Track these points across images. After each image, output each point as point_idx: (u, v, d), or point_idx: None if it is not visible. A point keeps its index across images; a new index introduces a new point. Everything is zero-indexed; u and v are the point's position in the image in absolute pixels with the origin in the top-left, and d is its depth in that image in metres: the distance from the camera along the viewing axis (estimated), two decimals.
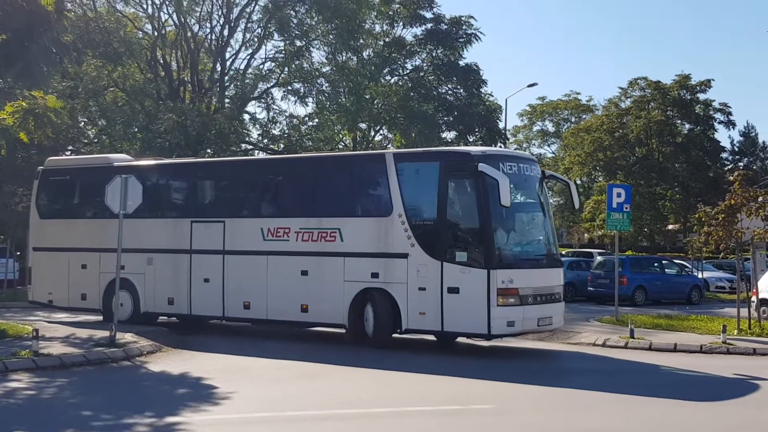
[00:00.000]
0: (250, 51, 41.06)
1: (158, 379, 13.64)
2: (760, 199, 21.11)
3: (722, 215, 20.57)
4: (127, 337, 17.15)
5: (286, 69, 40.88)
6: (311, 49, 41.21)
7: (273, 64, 41.67)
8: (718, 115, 57.06)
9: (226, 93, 41.17)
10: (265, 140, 41.16)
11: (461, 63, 44.36)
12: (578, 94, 70.25)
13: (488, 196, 15.67)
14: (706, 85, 55.49)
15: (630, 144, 56.36)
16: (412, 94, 43.39)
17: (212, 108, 38.02)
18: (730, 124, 57.71)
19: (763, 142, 75.26)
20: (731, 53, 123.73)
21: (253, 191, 19.58)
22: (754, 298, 23.27)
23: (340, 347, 17.31)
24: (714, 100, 56.60)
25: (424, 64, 45.29)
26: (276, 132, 41.70)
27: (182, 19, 39.19)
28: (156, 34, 39.59)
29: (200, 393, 12.26)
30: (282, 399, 12.05)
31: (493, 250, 15.81)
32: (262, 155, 39.50)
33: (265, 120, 42.21)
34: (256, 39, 40.80)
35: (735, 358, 17.17)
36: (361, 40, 42.23)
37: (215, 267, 18.84)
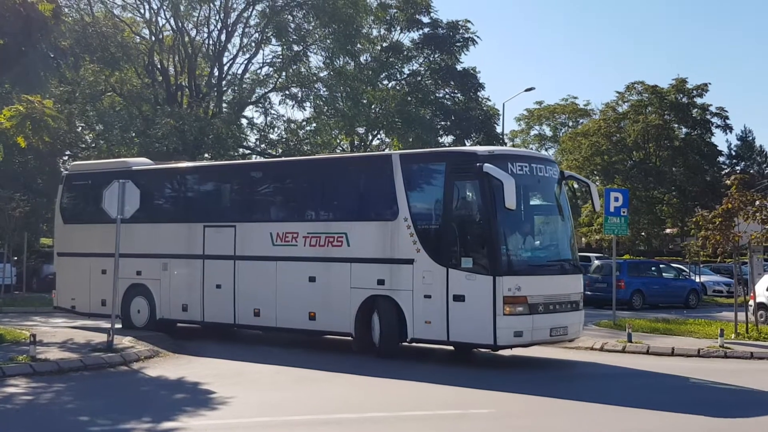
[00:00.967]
0: (247, 56, 41.18)
1: (156, 384, 13.62)
2: (757, 202, 21.14)
3: (719, 219, 20.58)
4: (125, 342, 17.14)
5: (284, 74, 40.92)
6: (309, 53, 41.33)
7: (270, 68, 41.74)
8: (715, 119, 57.05)
9: (224, 98, 41.18)
10: (263, 145, 41.16)
11: (459, 67, 44.44)
12: (575, 98, 70.14)
13: (494, 198, 14.83)
14: (703, 89, 55.51)
15: (627, 148, 56.38)
16: (409, 98, 43.44)
17: (210, 113, 38.03)
18: (727, 128, 57.72)
19: (760, 146, 75.54)
20: (728, 57, 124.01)
21: (261, 194, 19.11)
22: (751, 302, 23.30)
23: (340, 354, 17.00)
24: (711, 104, 56.60)
25: (422, 69, 45.35)
26: (274, 137, 41.76)
27: (179, 24, 39.22)
28: (153, 38, 39.60)
29: (198, 398, 12.24)
30: (280, 404, 12.03)
31: (499, 255, 14.96)
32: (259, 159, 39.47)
33: (263, 125, 42.30)
34: (253, 44, 40.87)
35: (732, 362, 17.19)
36: (359, 45, 42.27)
37: (226, 273, 18.43)
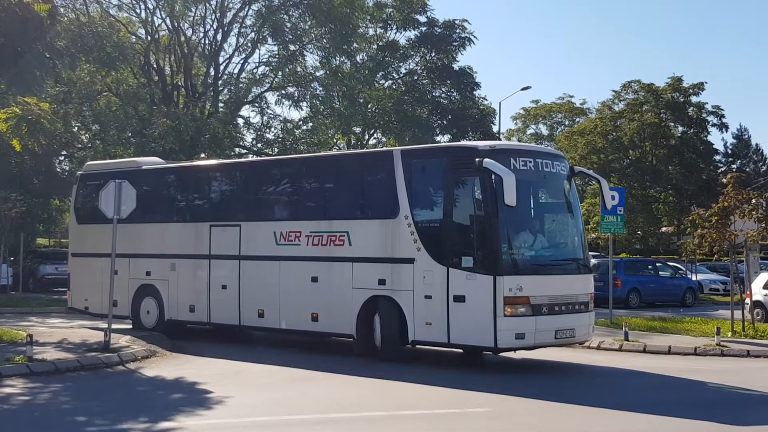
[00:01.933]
0: (243, 55, 41.17)
1: (153, 384, 13.61)
2: (753, 201, 21.18)
3: (716, 218, 20.62)
4: (122, 342, 17.14)
5: (280, 73, 40.92)
6: (305, 53, 41.29)
7: (267, 68, 41.77)
8: (711, 118, 57.15)
9: (220, 97, 41.17)
10: (259, 144, 41.14)
11: (455, 66, 44.44)
12: (572, 97, 70.41)
13: (495, 194, 14.25)
14: (699, 87, 55.60)
15: (623, 147, 56.44)
16: (405, 97, 43.42)
17: (206, 112, 38.00)
18: (723, 126, 57.81)
19: (756, 145, 75.61)
20: (724, 56, 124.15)
21: (264, 193, 18.78)
22: (747, 300, 23.35)
23: (340, 355, 16.80)
24: (707, 103, 56.73)
25: (418, 68, 45.36)
26: (270, 136, 41.74)
27: (175, 24, 39.19)
28: (149, 38, 39.56)
29: (195, 398, 12.24)
30: (277, 403, 12.04)
31: (499, 254, 14.36)
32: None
33: (259, 124, 42.28)
34: (249, 43, 40.86)
35: (729, 361, 17.22)
36: (355, 44, 42.26)
37: (232, 273, 18.17)
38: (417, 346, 15.86)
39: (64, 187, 38.07)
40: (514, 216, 14.71)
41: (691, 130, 56.92)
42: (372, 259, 15.96)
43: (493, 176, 14.26)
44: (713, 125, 57.38)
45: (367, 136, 46.15)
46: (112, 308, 17.26)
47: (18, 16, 17.08)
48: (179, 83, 39.75)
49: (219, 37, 39.98)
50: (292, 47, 40.15)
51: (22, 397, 12.17)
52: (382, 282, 15.73)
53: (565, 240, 16.28)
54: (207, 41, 40.52)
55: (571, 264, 15.73)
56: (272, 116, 42.18)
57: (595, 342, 18.60)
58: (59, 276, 35.22)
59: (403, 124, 41.49)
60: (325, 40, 40.29)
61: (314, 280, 16.80)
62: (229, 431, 10.31)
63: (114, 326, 20.05)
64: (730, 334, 20.18)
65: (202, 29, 40.43)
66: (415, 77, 45.08)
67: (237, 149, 40.39)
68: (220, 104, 40.61)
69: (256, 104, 41.93)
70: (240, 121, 42.48)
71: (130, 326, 20.02)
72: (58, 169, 40.46)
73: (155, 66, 39.88)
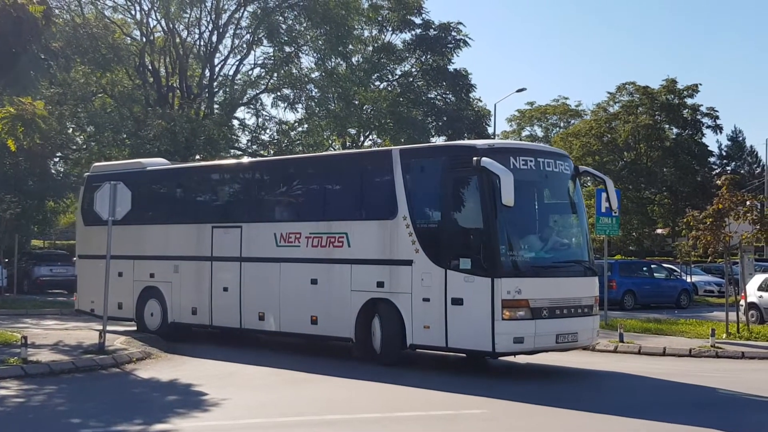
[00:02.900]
0: (238, 57, 41.13)
1: (148, 386, 13.59)
2: (748, 203, 21.23)
3: (710, 219, 20.64)
4: (117, 343, 17.13)
5: (275, 75, 40.89)
6: (300, 54, 41.24)
7: (262, 70, 41.72)
8: (705, 120, 57.30)
9: (215, 99, 41.13)
10: (255, 146, 41.12)
11: (450, 68, 44.49)
12: (567, 99, 70.27)
13: (493, 194, 13.84)
14: (693, 89, 55.74)
15: (618, 149, 56.55)
16: (401, 99, 43.46)
17: (201, 114, 37.97)
18: (717, 128, 57.97)
19: (751, 147, 75.88)
20: (718, 58, 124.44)
21: (264, 193, 18.62)
22: (742, 302, 23.39)
23: (337, 357, 16.70)
24: (701, 105, 56.89)
25: (413, 70, 45.41)
26: (265, 138, 41.71)
27: (170, 25, 39.14)
28: (144, 40, 39.50)
29: (190, 399, 12.22)
30: (272, 405, 12.03)
31: (497, 256, 13.95)
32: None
33: (255, 126, 42.27)
34: (244, 45, 40.83)
35: (724, 362, 17.25)
36: (350, 46, 42.26)
37: (233, 275, 17.97)
38: (415, 350, 15.38)
39: (59, 188, 38.07)
40: (514, 217, 14.26)
41: (686, 132, 57.05)
42: (370, 261, 15.65)
43: (491, 176, 13.87)
44: (708, 127, 57.56)
45: (362, 138, 46.17)
46: (107, 310, 17.22)
47: (12, 17, 17.04)
48: (174, 85, 39.71)
49: (214, 38, 39.97)
50: (287, 49, 40.12)
51: (17, 399, 12.14)
52: (380, 284, 15.42)
53: (568, 241, 15.82)
54: (202, 43, 40.50)
55: (574, 266, 15.28)
56: (267, 118, 42.20)
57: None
58: (54, 278, 35.28)
59: (399, 125, 41.51)
60: (320, 42, 40.27)
61: (314, 282, 16.54)
62: None
63: (116, 328, 20.12)
64: (724, 335, 20.21)
65: (197, 31, 40.42)
66: (411, 79, 45.12)
67: (232, 151, 40.35)
68: (215, 106, 40.57)
69: (252, 106, 41.90)
70: (235, 122, 42.48)
71: (135, 328, 19.94)
72: (53, 171, 40.38)
73: (150, 67, 39.82)
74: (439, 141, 43.52)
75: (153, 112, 35.14)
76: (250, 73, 41.95)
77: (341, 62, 42.20)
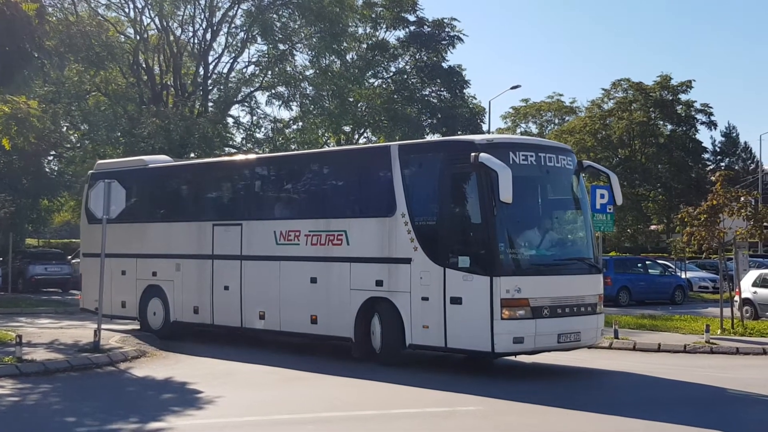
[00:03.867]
0: (233, 55, 41.12)
1: (143, 384, 13.58)
2: (742, 199, 21.28)
3: (704, 216, 20.70)
4: (112, 342, 17.11)
5: (270, 73, 40.85)
6: (294, 52, 41.22)
7: (256, 68, 41.69)
8: (699, 116, 57.37)
9: (210, 97, 41.09)
10: (249, 144, 41.09)
11: (445, 65, 44.53)
12: (561, 95, 70.48)
13: (492, 190, 13.49)
14: (687, 85, 55.81)
15: (613, 145, 56.60)
16: (395, 96, 43.47)
17: (195, 112, 37.92)
18: (711, 124, 58.04)
19: (745, 143, 75.84)
20: (712, 54, 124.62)
21: (264, 190, 18.41)
22: (737, 298, 23.44)
23: (334, 356, 16.56)
24: (695, 101, 56.97)
25: (408, 67, 45.42)
26: (260, 136, 41.70)
27: (164, 23, 39.10)
28: (138, 38, 39.46)
29: (185, 398, 12.21)
30: (268, 403, 12.02)
31: (496, 253, 13.65)
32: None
33: (249, 124, 42.23)
34: (239, 43, 40.80)
35: (719, 358, 17.28)
36: (345, 44, 42.22)
37: (233, 273, 17.78)
38: (415, 350, 15.03)
39: (53, 187, 38.03)
40: (514, 213, 13.95)
41: (680, 129, 57.13)
42: (369, 259, 15.40)
43: (490, 171, 13.53)
44: (702, 123, 57.63)
45: (357, 136, 46.18)
46: (102, 308, 17.16)
47: (6, 15, 16.99)
48: (168, 83, 39.66)
49: (208, 36, 39.95)
50: (281, 47, 40.10)
51: (11, 398, 12.11)
52: (379, 283, 15.15)
53: (570, 238, 15.49)
54: (196, 41, 40.49)
55: (576, 264, 14.91)
56: (262, 116, 42.17)
57: None
58: (48, 276, 35.25)
59: (393, 123, 41.54)
60: (314, 40, 40.25)
61: (313, 281, 16.34)
62: (220, 431, 10.30)
63: (116, 327, 20.14)
64: (719, 331, 20.26)
65: (191, 29, 40.41)
66: (405, 76, 45.12)
67: (227, 149, 40.31)
68: (210, 104, 40.54)
69: (246, 104, 41.91)
70: (230, 120, 42.47)
71: (138, 327, 19.90)
72: (47, 169, 40.32)
73: (144, 65, 39.78)
74: (433, 138, 43.58)
75: (147, 110, 35.11)
76: (244, 71, 41.95)
77: (335, 60, 42.16)
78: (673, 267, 39.17)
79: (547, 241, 14.99)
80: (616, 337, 18.79)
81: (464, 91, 45.10)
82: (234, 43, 40.80)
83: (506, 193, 13.17)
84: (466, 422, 10.82)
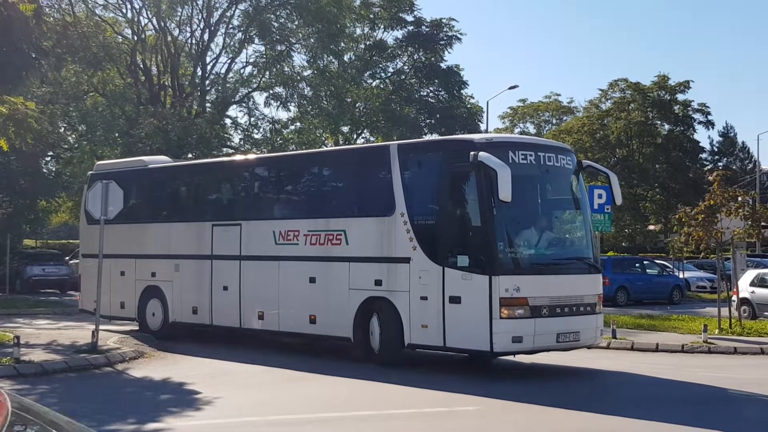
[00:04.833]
0: (230, 55, 41.14)
1: (141, 385, 13.56)
2: (740, 198, 21.29)
3: (702, 215, 20.71)
4: (110, 343, 17.10)
5: (267, 73, 40.86)
6: (292, 53, 41.25)
7: (254, 68, 41.69)
8: (697, 116, 57.48)
9: (207, 97, 41.11)
10: (247, 145, 41.09)
11: (442, 65, 44.58)
12: (559, 95, 70.59)
13: (491, 189, 13.42)
14: (685, 85, 55.90)
15: (611, 145, 56.68)
16: (393, 97, 43.51)
17: (193, 112, 37.92)
18: (709, 124, 58.14)
19: (743, 143, 75.87)
20: (710, 54, 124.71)
21: (263, 190, 18.45)
22: (734, 298, 23.46)
23: (332, 356, 16.58)
24: (693, 101, 57.10)
25: (406, 67, 45.46)
26: (258, 136, 41.70)
27: (162, 24, 39.09)
28: (136, 38, 39.44)
29: (183, 398, 12.20)
30: (266, 403, 12.02)
31: (495, 252, 13.63)
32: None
33: (247, 124, 42.24)
34: (236, 43, 40.80)
35: (716, 358, 17.29)
36: (342, 44, 42.26)
37: (232, 274, 17.76)
38: (414, 350, 15.10)
39: (51, 187, 38.00)
40: (512, 212, 13.95)
41: (678, 129, 57.21)
42: (368, 259, 15.38)
43: (489, 170, 13.46)
44: (699, 123, 57.73)
45: (354, 136, 46.21)
46: (99, 309, 17.15)
47: (3, 15, 16.97)
48: (166, 83, 39.64)
49: (206, 37, 39.94)
50: (279, 47, 40.12)
51: None
52: (378, 283, 15.13)
53: (570, 238, 15.52)
54: (194, 41, 40.49)
55: (575, 263, 14.93)
56: (260, 117, 42.18)
57: None
58: (46, 277, 35.21)
59: (391, 123, 41.57)
60: (312, 40, 40.27)
61: (312, 280, 16.32)
62: (218, 431, 10.28)
63: (115, 327, 20.12)
64: (717, 331, 20.27)
65: (188, 29, 40.43)
66: (403, 76, 45.17)
67: (225, 149, 40.32)
68: (208, 104, 40.56)
69: (244, 104, 41.90)
70: (227, 121, 42.46)
71: (137, 328, 19.88)
72: (45, 170, 40.31)
73: (142, 66, 39.77)
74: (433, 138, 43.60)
75: (145, 111, 35.10)
76: (242, 71, 42.00)
77: (333, 60, 42.20)
78: (671, 267, 39.20)
79: (547, 241, 14.98)
80: (614, 337, 18.79)
81: (462, 91, 45.21)
82: (231, 43, 40.85)
83: (505, 192, 13.12)
84: (465, 422, 10.81)
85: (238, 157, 22.61)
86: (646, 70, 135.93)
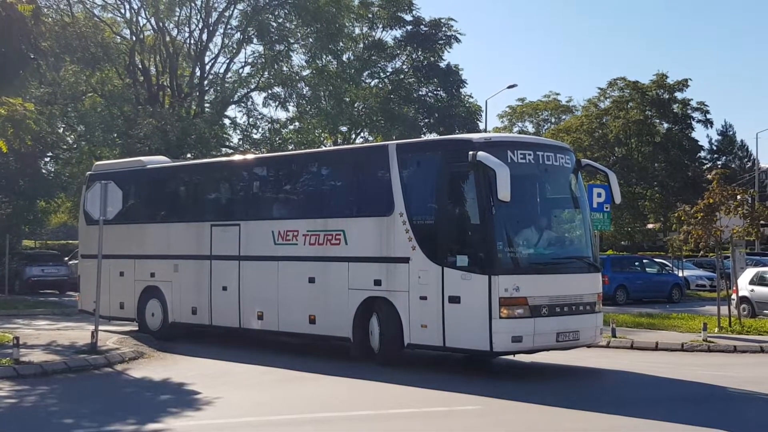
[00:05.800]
0: (229, 55, 41.07)
1: (140, 386, 13.55)
2: (739, 197, 21.28)
3: (701, 214, 20.71)
4: (110, 343, 17.09)
5: (266, 73, 40.84)
6: (291, 53, 41.20)
7: (252, 68, 41.66)
8: (696, 114, 57.53)
9: (206, 98, 41.09)
10: (246, 145, 41.08)
11: (441, 65, 44.56)
12: (558, 94, 70.58)
13: (490, 189, 13.41)
14: (683, 84, 55.92)
15: (609, 144, 56.71)
16: (392, 96, 43.50)
17: (192, 113, 37.91)
18: (707, 122, 58.18)
19: (741, 141, 76.00)
20: (708, 52, 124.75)
21: (261, 191, 18.38)
22: (734, 296, 23.46)
23: (331, 355, 16.56)
24: (691, 99, 57.15)
25: (404, 67, 45.46)
26: (257, 136, 41.69)
27: (160, 24, 39.07)
28: (134, 38, 39.43)
29: (183, 399, 12.20)
30: (265, 403, 12.01)
31: (494, 252, 13.63)
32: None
33: (246, 124, 42.24)
34: (235, 44, 40.78)
35: (716, 356, 17.30)
36: (341, 44, 42.24)
37: (232, 274, 17.73)
38: (413, 350, 15.02)
39: (50, 188, 37.97)
40: (511, 212, 13.91)
41: (676, 127, 57.25)
42: (367, 259, 15.36)
43: (487, 170, 13.46)
44: (698, 122, 57.79)
45: (353, 136, 46.21)
46: (99, 309, 17.18)
47: (1, 16, 16.98)
48: (165, 83, 39.62)
49: (204, 37, 39.94)
50: (278, 47, 40.08)
51: (9, 400, 12.09)
52: (377, 283, 15.11)
53: (569, 237, 15.45)
54: (192, 41, 40.46)
55: (574, 262, 14.88)
56: (259, 117, 42.16)
57: None
58: (45, 278, 35.19)
59: (390, 122, 41.56)
60: (311, 40, 40.26)
61: (311, 280, 16.30)
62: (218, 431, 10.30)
63: (115, 328, 20.10)
64: (716, 329, 20.27)
65: (187, 29, 40.39)
66: (402, 76, 45.16)
67: (224, 149, 40.31)
68: (206, 104, 40.54)
69: (243, 104, 41.88)
70: (226, 121, 42.45)
71: (137, 329, 19.85)
72: (44, 171, 40.29)
73: (140, 66, 39.74)
74: (432, 137, 43.61)
75: (143, 111, 35.08)
76: (240, 71, 41.97)
77: (332, 60, 42.18)
78: (671, 265, 39.18)
79: (546, 240, 14.92)
80: (614, 336, 18.79)
81: (461, 90, 45.14)
82: (230, 43, 40.82)
83: (504, 192, 13.12)
84: (465, 421, 10.81)
85: (237, 157, 22.59)
86: (644, 68, 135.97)
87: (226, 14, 39.95)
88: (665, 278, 34.69)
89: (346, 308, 15.59)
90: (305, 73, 42.00)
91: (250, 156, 23.32)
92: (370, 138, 45.60)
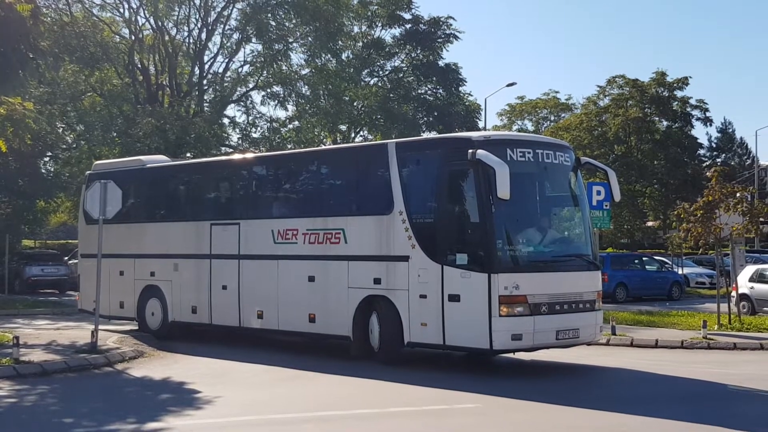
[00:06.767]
0: (228, 54, 41.03)
1: (140, 385, 13.56)
2: (738, 194, 21.29)
3: (701, 211, 20.71)
4: (109, 342, 17.10)
5: (265, 72, 40.84)
6: (290, 52, 41.20)
7: (252, 67, 41.64)
8: (695, 112, 57.46)
9: (205, 97, 41.06)
10: (245, 144, 41.06)
11: (440, 63, 44.55)
12: (557, 92, 70.47)
13: (489, 187, 13.43)
14: (683, 82, 55.87)
15: (609, 142, 56.66)
16: (391, 95, 43.48)
17: (191, 112, 37.88)
18: (707, 120, 58.12)
19: (741, 138, 75.99)
20: (707, 50, 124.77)
21: (261, 189, 18.42)
22: (733, 294, 23.47)
23: (331, 354, 16.58)
24: (691, 97, 57.04)
25: (404, 65, 45.45)
26: (256, 135, 41.68)
27: (159, 23, 39.05)
28: (133, 38, 39.37)
29: (183, 397, 12.20)
30: (265, 402, 12.02)
31: (494, 250, 13.64)
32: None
33: (245, 123, 42.23)
34: (234, 43, 40.75)
35: (716, 354, 17.31)
36: (340, 42, 42.23)
37: (231, 273, 17.76)
38: (413, 348, 15.01)
39: (50, 188, 37.95)
40: (511, 210, 13.90)
41: (676, 125, 57.21)
42: (367, 257, 15.38)
43: (487, 168, 13.48)
44: (698, 119, 57.73)
45: (353, 134, 46.21)
46: (99, 308, 17.18)
47: (0, 16, 16.96)
48: (164, 83, 39.60)
49: (203, 36, 39.91)
50: (277, 46, 40.07)
51: (9, 400, 12.10)
52: (377, 281, 15.15)
53: (568, 235, 15.53)
54: (191, 40, 40.42)
55: (574, 260, 14.88)
56: (258, 116, 42.16)
57: None
58: (45, 277, 35.19)
59: (390, 121, 41.55)
60: (310, 39, 40.24)
61: (311, 279, 16.32)
62: (218, 430, 10.29)
63: (116, 327, 20.09)
64: (716, 327, 20.28)
65: (186, 28, 40.34)
66: (401, 74, 45.15)
67: (223, 149, 40.29)
68: (205, 104, 40.50)
69: (242, 103, 41.88)
70: (225, 120, 42.43)
71: (137, 328, 19.86)
72: (43, 171, 40.26)
73: (139, 65, 39.72)
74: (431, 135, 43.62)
75: (143, 111, 35.05)
76: (239, 70, 41.92)
77: (331, 59, 42.16)
78: (670, 263, 39.20)
79: (545, 238, 14.93)
80: (614, 334, 18.80)
81: (460, 88, 45.15)
82: (229, 43, 40.79)
83: (504, 190, 13.13)
84: (464, 419, 10.81)
85: (237, 156, 22.57)
86: (644, 66, 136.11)
87: (225, 13, 39.97)
88: (665, 276, 34.71)
89: (346, 307, 15.59)
90: (304, 72, 42.00)
91: (249, 155, 23.30)
92: (370, 137, 45.58)
